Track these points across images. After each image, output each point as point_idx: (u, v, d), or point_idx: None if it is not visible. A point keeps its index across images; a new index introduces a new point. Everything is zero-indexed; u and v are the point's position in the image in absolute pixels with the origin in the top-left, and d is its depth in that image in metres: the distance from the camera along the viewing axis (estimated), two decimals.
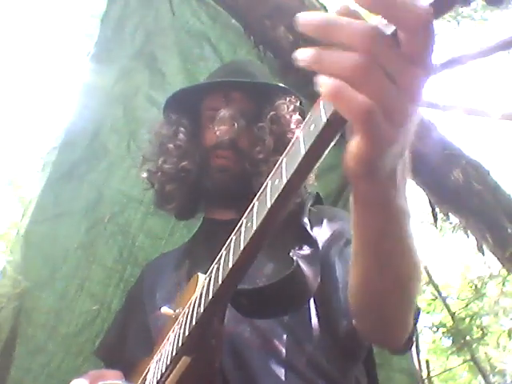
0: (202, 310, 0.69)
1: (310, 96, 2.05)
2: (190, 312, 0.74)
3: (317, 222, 1.07)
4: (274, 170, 0.57)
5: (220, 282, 0.65)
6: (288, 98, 1.18)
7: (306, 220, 1.06)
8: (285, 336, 0.92)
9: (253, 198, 1.10)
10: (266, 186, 0.57)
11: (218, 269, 0.68)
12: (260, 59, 1.96)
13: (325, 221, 1.07)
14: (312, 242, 0.99)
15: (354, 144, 0.49)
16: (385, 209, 0.57)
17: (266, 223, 0.55)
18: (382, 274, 0.66)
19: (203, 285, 0.74)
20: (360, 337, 0.84)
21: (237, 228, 0.65)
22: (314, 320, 0.95)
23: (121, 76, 1.71)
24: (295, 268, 0.75)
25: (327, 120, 0.47)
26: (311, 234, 1.02)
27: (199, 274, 0.89)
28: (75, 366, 1.43)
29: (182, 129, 1.19)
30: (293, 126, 1.15)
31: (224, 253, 0.68)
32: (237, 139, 1.13)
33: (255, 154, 1.11)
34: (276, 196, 0.53)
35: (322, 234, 1.04)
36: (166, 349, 0.80)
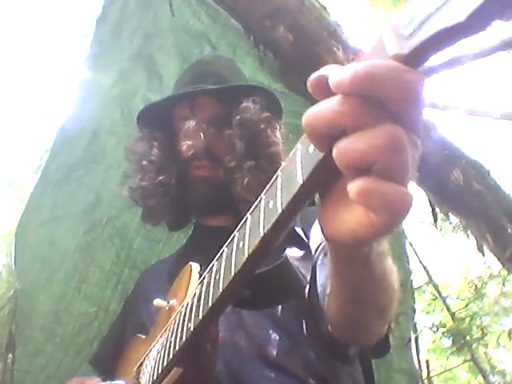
0: (191, 328, 0.67)
1: (310, 96, 2.05)
2: (180, 325, 0.72)
3: (307, 224, 1.06)
4: (268, 187, 0.51)
5: (209, 306, 0.62)
6: (252, 98, 1.13)
7: (297, 223, 1.06)
8: (281, 342, 0.92)
9: (237, 207, 1.10)
10: (260, 203, 0.52)
11: (207, 290, 0.64)
12: (260, 59, 1.97)
13: (315, 223, 1.07)
14: (304, 245, 1.00)
15: (357, 219, 0.42)
16: (366, 262, 0.56)
17: (257, 251, 0.51)
18: (360, 309, 0.68)
19: (191, 301, 0.71)
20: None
21: (228, 242, 0.61)
22: (307, 323, 0.94)
23: (119, 78, 1.71)
24: (284, 260, 0.75)
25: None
26: (303, 237, 1.02)
27: (192, 263, 0.88)
28: (73, 367, 1.43)
29: (156, 143, 1.18)
30: (262, 126, 1.12)
31: (214, 273, 0.64)
32: (211, 147, 1.11)
33: (227, 162, 1.09)
34: (270, 225, 0.48)
35: (312, 236, 1.03)
36: (159, 353, 0.79)
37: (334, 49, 1.92)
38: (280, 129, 1.18)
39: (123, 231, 1.59)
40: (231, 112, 1.12)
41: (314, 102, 0.45)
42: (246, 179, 1.07)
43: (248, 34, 1.96)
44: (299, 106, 2.05)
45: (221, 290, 0.58)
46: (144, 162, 1.16)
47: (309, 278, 0.90)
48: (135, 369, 0.91)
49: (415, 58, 0.35)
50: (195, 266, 0.87)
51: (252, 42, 1.96)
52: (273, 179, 0.50)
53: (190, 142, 1.10)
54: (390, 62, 0.36)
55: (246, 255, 0.52)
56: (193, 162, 1.12)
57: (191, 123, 1.11)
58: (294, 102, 2.02)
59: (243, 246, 0.53)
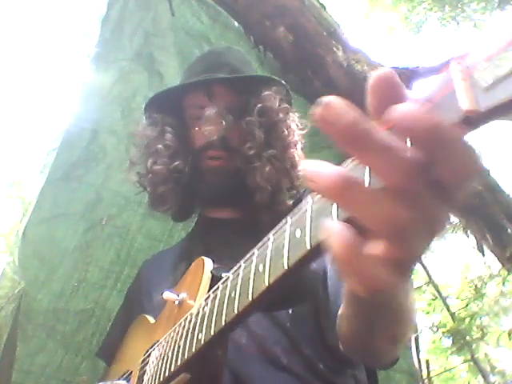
0: (202, 341, 0.64)
1: (310, 96, 2.06)
2: (190, 333, 0.69)
3: None
4: (295, 210, 0.48)
5: (222, 324, 0.60)
6: (274, 88, 1.14)
7: None
8: (282, 340, 0.92)
9: (247, 197, 1.08)
10: (285, 227, 0.49)
11: (221, 306, 0.61)
12: (260, 59, 1.97)
13: None
14: None
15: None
16: (381, 300, 0.55)
17: (279, 281, 0.49)
18: (372, 336, 0.68)
19: (202, 311, 0.68)
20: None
21: (247, 258, 0.58)
22: (310, 324, 0.94)
23: (119, 77, 1.71)
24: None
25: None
26: None
27: (204, 258, 0.86)
28: (74, 365, 1.43)
29: (169, 128, 1.15)
30: (282, 116, 1.12)
31: (229, 289, 0.60)
32: (227, 137, 1.09)
33: (246, 150, 1.08)
34: (295, 260, 0.45)
35: None
36: (166, 355, 0.77)
37: (334, 49, 1.92)
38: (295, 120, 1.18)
39: (124, 230, 1.59)
40: (248, 102, 1.12)
41: (313, 102, 0.39)
42: (267, 168, 1.06)
43: (248, 34, 1.96)
44: (299, 106, 2.05)
45: (236, 312, 0.56)
46: (159, 146, 1.13)
47: (314, 275, 0.91)
48: (139, 366, 0.90)
49: (489, 117, 0.28)
50: (208, 263, 0.85)
51: (252, 42, 1.96)
52: (302, 204, 0.46)
53: (211, 128, 1.08)
54: (455, 131, 0.31)
55: (267, 284, 0.50)
56: (206, 151, 1.11)
57: (212, 110, 1.09)
58: (294, 102, 2.02)
59: (264, 272, 0.51)
